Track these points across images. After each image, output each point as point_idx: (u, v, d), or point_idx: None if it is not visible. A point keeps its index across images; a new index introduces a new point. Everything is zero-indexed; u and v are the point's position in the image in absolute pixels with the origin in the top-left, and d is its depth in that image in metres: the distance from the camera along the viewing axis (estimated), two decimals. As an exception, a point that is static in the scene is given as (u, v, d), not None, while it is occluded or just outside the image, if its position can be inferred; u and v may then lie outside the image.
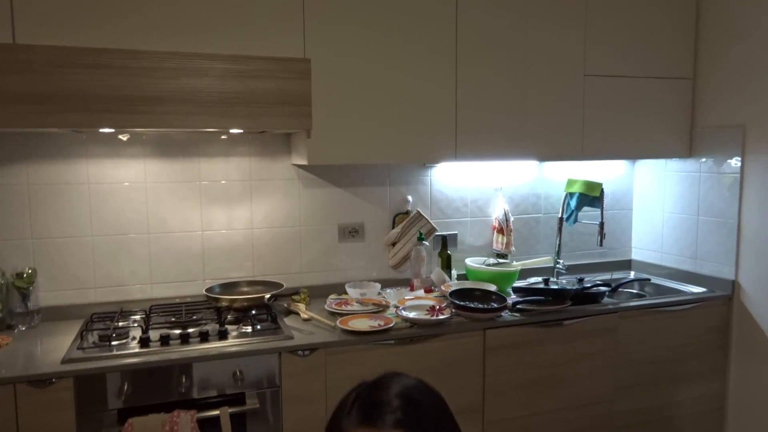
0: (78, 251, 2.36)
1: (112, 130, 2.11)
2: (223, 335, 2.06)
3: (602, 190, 2.81)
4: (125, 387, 1.87)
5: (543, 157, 2.62)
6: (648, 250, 3.15)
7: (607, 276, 3.02)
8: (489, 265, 2.77)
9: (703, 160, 2.81)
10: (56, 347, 1.98)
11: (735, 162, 2.66)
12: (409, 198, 2.79)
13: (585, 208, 2.93)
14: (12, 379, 1.76)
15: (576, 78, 2.61)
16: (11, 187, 2.27)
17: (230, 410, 1.92)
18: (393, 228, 2.76)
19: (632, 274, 3.12)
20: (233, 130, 2.17)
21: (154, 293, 2.46)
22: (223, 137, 2.50)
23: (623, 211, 3.22)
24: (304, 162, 2.31)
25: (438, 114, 2.40)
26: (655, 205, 3.09)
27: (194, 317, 2.22)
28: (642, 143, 2.78)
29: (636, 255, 3.23)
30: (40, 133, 2.26)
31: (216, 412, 1.91)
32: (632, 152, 2.80)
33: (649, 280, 2.95)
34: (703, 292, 2.72)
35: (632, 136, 2.75)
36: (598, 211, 2.84)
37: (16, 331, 2.18)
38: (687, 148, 2.87)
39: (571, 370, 2.45)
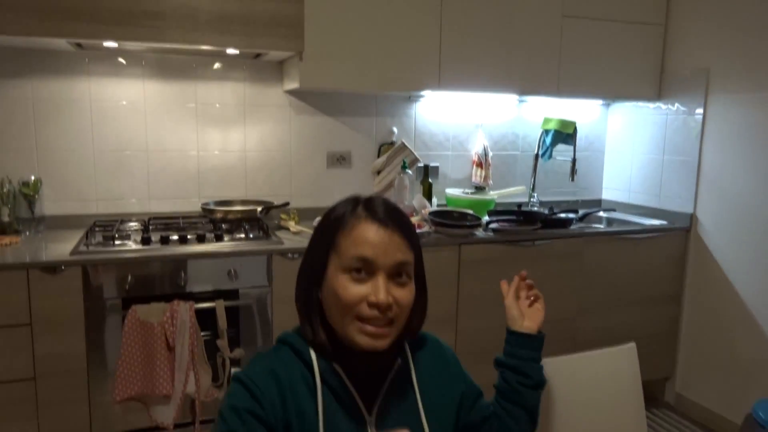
0: (80, 165, 2.50)
1: (115, 45, 2.23)
2: (218, 238, 2.23)
3: (575, 127, 2.99)
4: (128, 278, 2.04)
5: (521, 91, 2.79)
6: (617, 190, 3.36)
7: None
8: (467, 193, 2.95)
9: (670, 103, 3.00)
10: (63, 246, 2.13)
11: (698, 104, 2.85)
12: (395, 129, 2.95)
13: (559, 147, 3.11)
14: (25, 265, 1.92)
15: (554, 17, 2.76)
16: (16, 101, 2.39)
17: (225, 303, 2.10)
18: (378, 157, 2.92)
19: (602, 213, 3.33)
20: (229, 50, 2.31)
21: (152, 208, 2.61)
22: (217, 65, 2.63)
23: (596, 153, 3.41)
24: (295, 85, 2.45)
25: (423, 43, 2.55)
26: (625, 147, 3.29)
27: (191, 227, 2.38)
28: (614, 85, 2.96)
29: (606, 195, 3.43)
30: (44, 50, 2.37)
31: (212, 304, 2.09)
32: (604, 92, 2.98)
33: (614, 210, 3.17)
34: (663, 224, 2.93)
35: (605, 77, 2.92)
36: (572, 151, 3.02)
37: (22, 236, 2.32)
38: (656, 92, 3.05)
39: (540, 288, 2.65)
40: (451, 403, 1.07)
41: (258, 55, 2.53)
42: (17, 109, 2.39)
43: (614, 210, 3.18)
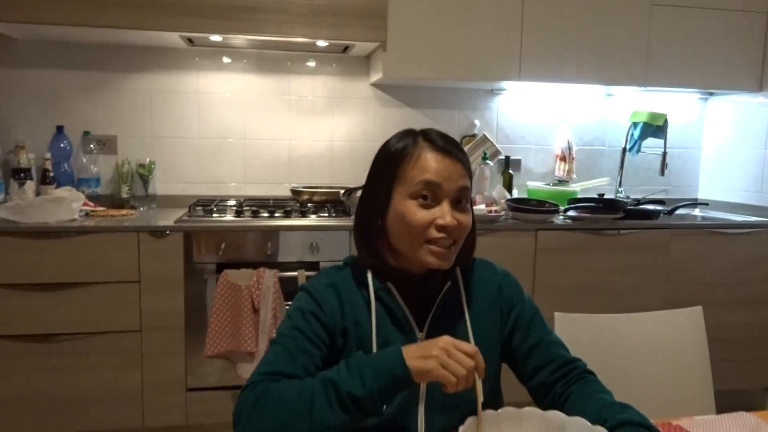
0: (187, 150, 2.78)
1: (220, 39, 2.49)
2: (303, 214, 2.41)
3: (666, 120, 2.90)
4: (222, 245, 2.25)
5: (606, 81, 2.75)
6: (715, 188, 3.19)
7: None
8: (549, 185, 2.94)
9: (774, 93, 2.84)
10: (169, 217, 2.39)
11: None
12: (476, 122, 3.01)
13: (649, 143, 3.03)
14: (136, 228, 2.19)
15: (642, 5, 2.72)
16: (136, 93, 2.72)
17: (306, 273, 2.25)
18: (460, 149, 2.99)
19: (697, 210, 3.18)
20: (319, 42, 2.49)
21: (247, 191, 2.85)
22: (309, 63, 2.83)
23: (691, 150, 3.27)
24: (380, 76, 2.60)
25: (504, 33, 2.60)
26: (724, 143, 3.13)
27: (280, 206, 2.58)
28: (709, 75, 2.84)
29: (703, 194, 3.27)
30: (160, 47, 2.69)
31: (294, 273, 2.24)
32: (698, 83, 2.86)
33: (707, 204, 3.02)
34: (761, 220, 2.76)
35: (698, 67, 2.82)
36: (662, 146, 2.93)
37: (137, 210, 2.62)
38: (758, 83, 2.90)
39: (621, 281, 2.59)
40: (498, 327, 1.12)
41: (346, 49, 2.71)
42: (137, 100, 2.72)
43: (707, 205, 3.03)
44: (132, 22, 2.25)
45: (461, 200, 1.04)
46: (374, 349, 1.02)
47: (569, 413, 0.92)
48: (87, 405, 2.21)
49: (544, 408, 0.99)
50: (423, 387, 1.03)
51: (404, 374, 0.88)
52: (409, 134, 1.08)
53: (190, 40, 2.55)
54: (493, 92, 3.01)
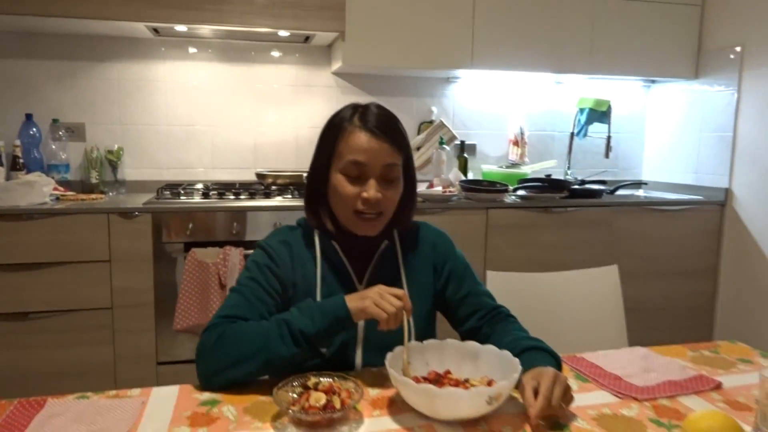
0: (155, 137, 2.89)
1: (185, 29, 2.59)
2: (267, 195, 2.54)
3: (609, 106, 3.10)
4: (190, 226, 2.37)
5: (554, 69, 2.93)
6: (656, 170, 3.41)
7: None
8: (502, 167, 3.12)
9: (707, 81, 3.06)
10: (138, 200, 2.50)
11: (733, 80, 2.89)
12: (434, 109, 3.17)
13: (597, 129, 3.23)
14: (106, 210, 2.29)
15: (585, -2, 2.91)
16: (104, 82, 2.81)
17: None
18: (418, 134, 3.16)
19: (640, 191, 3.40)
20: (281, 32, 2.62)
21: (215, 176, 2.97)
22: (273, 53, 2.96)
23: (635, 134, 3.48)
24: (340, 64, 2.73)
25: (456, 24, 2.76)
26: (664, 127, 3.35)
27: (245, 189, 2.70)
28: (650, 64, 3.05)
29: (646, 176, 3.49)
30: (128, 37, 2.78)
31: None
32: (640, 71, 3.07)
33: (646, 183, 3.24)
34: (696, 198, 2.98)
35: (640, 56, 3.02)
36: (608, 131, 3.14)
37: (107, 195, 2.72)
38: (694, 71, 3.12)
39: (569, 257, 2.79)
40: (432, 279, 1.27)
41: (307, 39, 2.84)
42: (105, 88, 2.81)
43: (646, 184, 3.25)
44: (98, 12, 2.35)
45: (389, 174, 1.18)
46: (319, 299, 1.17)
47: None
48: (61, 379, 2.31)
49: None
50: (361, 330, 1.19)
51: (345, 314, 1.05)
52: (351, 109, 1.21)
53: (156, 30, 2.65)
54: (449, 80, 3.17)
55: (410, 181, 1.25)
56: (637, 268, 2.88)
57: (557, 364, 1.06)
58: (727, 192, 2.94)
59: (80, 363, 2.33)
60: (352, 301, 1.06)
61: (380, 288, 1.07)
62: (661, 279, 2.93)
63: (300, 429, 0.90)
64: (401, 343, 1.04)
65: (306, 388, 0.96)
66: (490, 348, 1.04)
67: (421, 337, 1.17)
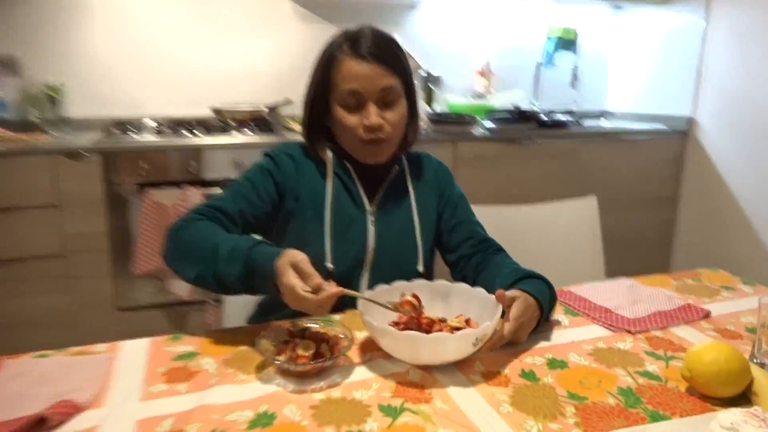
0: (100, 70, 2.66)
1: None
2: (225, 131, 2.39)
3: (576, 34, 3.02)
4: (144, 166, 2.22)
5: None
6: (621, 99, 3.39)
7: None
8: (468, 98, 3.04)
9: (675, 7, 3.00)
10: (86, 139, 2.31)
11: (701, 7, 2.84)
12: (397, 38, 3.02)
13: (564, 57, 3.15)
14: (52, 150, 2.12)
15: None
16: (38, 9, 2.53)
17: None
18: (382, 65, 3.02)
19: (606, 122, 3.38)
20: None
21: (168, 112, 2.77)
22: (225, -30, 2.73)
23: (601, 63, 3.43)
24: (297, -12, 2.54)
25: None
26: (630, 56, 3.31)
27: (202, 125, 2.54)
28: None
29: (611, 106, 3.47)
30: (60, -43, 2.50)
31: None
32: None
33: (612, 114, 3.23)
34: (661, 127, 2.99)
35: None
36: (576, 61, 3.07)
37: (49, 134, 2.51)
38: (661, -4, 3.05)
39: (537, 189, 2.77)
40: (435, 206, 1.26)
41: (261, -40, 2.62)
42: (40, 16, 2.54)
43: (612, 114, 3.24)
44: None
45: (388, 97, 1.11)
46: (327, 217, 1.14)
47: (485, 279, 1.10)
48: (19, 330, 2.19)
49: (457, 280, 1.12)
50: (370, 252, 1.16)
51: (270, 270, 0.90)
52: (339, 37, 1.15)
53: (91, -51, 2.39)
54: (412, 7, 3.01)
55: (413, 103, 1.20)
56: (602, 198, 2.89)
57: (551, 293, 1.03)
58: (691, 121, 2.95)
59: (37, 312, 2.20)
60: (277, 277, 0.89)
61: (293, 290, 0.85)
62: (624, 209, 2.96)
63: (287, 379, 0.84)
64: (412, 263, 1.15)
65: (292, 335, 0.90)
66: (461, 286, 1.03)
67: (427, 260, 1.21)
